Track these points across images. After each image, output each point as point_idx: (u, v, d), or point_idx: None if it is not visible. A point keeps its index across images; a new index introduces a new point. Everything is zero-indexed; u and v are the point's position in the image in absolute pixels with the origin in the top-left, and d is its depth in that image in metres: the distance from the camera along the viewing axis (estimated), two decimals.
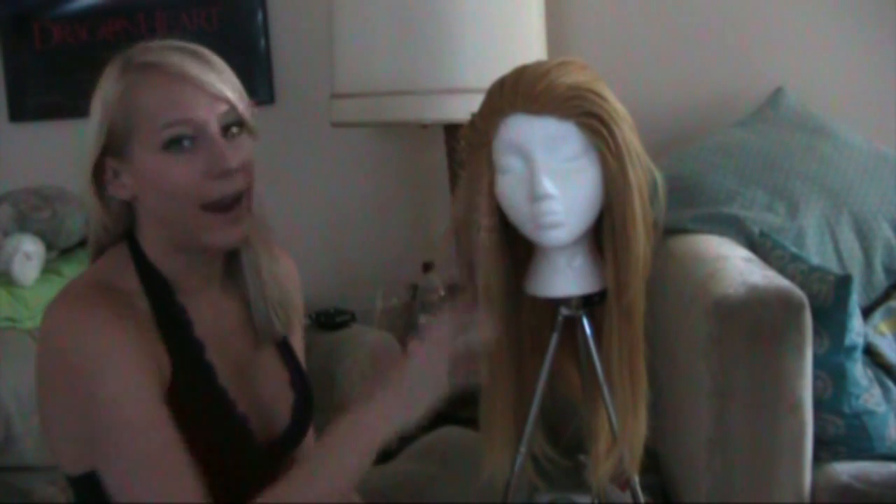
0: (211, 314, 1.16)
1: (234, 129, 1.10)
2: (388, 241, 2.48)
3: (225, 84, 1.09)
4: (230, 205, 1.09)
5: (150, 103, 1.07)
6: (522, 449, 1.19)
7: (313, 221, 2.47)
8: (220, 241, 1.10)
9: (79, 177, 1.13)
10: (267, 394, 1.20)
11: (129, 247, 1.12)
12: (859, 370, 1.54)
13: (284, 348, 1.26)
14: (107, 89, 1.09)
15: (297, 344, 1.32)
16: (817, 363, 1.46)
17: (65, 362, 1.02)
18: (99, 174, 1.10)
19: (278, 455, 1.22)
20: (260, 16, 2.51)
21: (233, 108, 1.09)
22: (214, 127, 1.07)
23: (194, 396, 1.09)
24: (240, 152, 1.09)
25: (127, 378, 1.01)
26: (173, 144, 1.06)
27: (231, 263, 1.19)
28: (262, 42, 2.52)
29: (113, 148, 1.08)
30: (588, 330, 1.17)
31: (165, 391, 1.05)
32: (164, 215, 1.10)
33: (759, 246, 1.76)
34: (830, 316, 1.51)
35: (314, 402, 1.26)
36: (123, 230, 1.13)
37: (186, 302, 1.13)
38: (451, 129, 2.03)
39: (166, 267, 1.12)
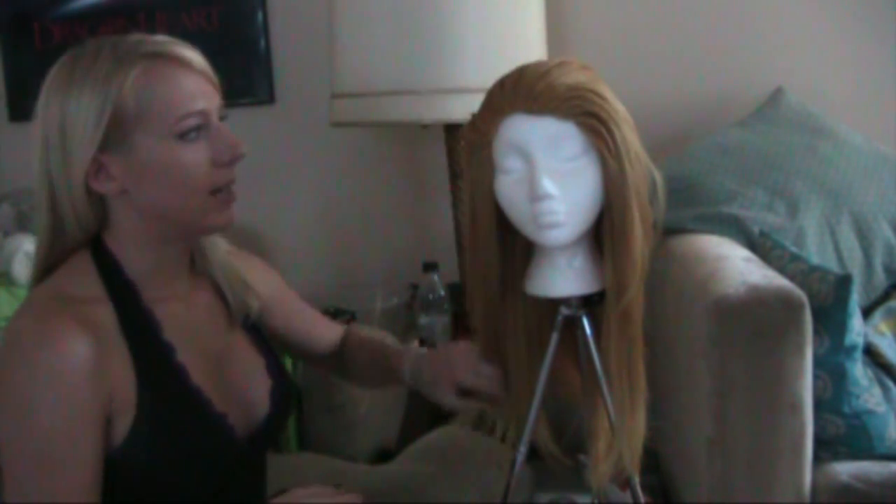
0: (182, 309, 1.16)
1: (223, 117, 1.13)
2: (388, 241, 2.48)
3: (215, 75, 1.13)
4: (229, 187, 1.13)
5: (166, 92, 1.06)
6: (522, 449, 1.19)
7: (313, 221, 2.48)
8: (224, 222, 1.13)
9: (37, 177, 1.12)
10: (244, 384, 1.21)
11: (93, 252, 1.11)
12: (859, 370, 1.54)
13: (255, 334, 1.27)
14: (105, 78, 1.04)
15: (299, 305, 1.37)
16: (817, 363, 1.46)
17: (6, 384, 1.02)
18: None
19: (260, 445, 1.22)
20: (260, 16, 2.51)
21: (222, 97, 1.13)
22: (216, 116, 1.11)
23: (168, 400, 1.09)
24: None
25: (57, 411, 1.00)
26: (188, 134, 1.07)
27: (194, 255, 1.21)
28: (262, 42, 2.52)
29: (109, 140, 1.05)
30: (588, 330, 1.17)
31: (125, 405, 1.05)
32: (166, 204, 1.09)
33: (759, 246, 1.76)
34: (830, 316, 1.51)
35: (293, 387, 1.27)
36: (92, 234, 1.11)
37: (154, 302, 1.12)
38: (451, 129, 2.04)
39: (137, 267, 1.11)
